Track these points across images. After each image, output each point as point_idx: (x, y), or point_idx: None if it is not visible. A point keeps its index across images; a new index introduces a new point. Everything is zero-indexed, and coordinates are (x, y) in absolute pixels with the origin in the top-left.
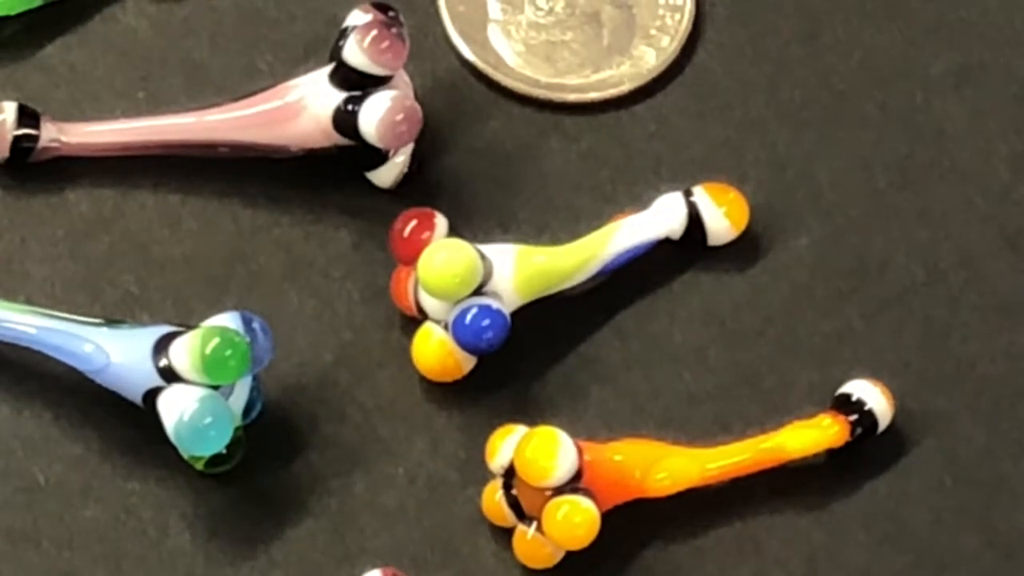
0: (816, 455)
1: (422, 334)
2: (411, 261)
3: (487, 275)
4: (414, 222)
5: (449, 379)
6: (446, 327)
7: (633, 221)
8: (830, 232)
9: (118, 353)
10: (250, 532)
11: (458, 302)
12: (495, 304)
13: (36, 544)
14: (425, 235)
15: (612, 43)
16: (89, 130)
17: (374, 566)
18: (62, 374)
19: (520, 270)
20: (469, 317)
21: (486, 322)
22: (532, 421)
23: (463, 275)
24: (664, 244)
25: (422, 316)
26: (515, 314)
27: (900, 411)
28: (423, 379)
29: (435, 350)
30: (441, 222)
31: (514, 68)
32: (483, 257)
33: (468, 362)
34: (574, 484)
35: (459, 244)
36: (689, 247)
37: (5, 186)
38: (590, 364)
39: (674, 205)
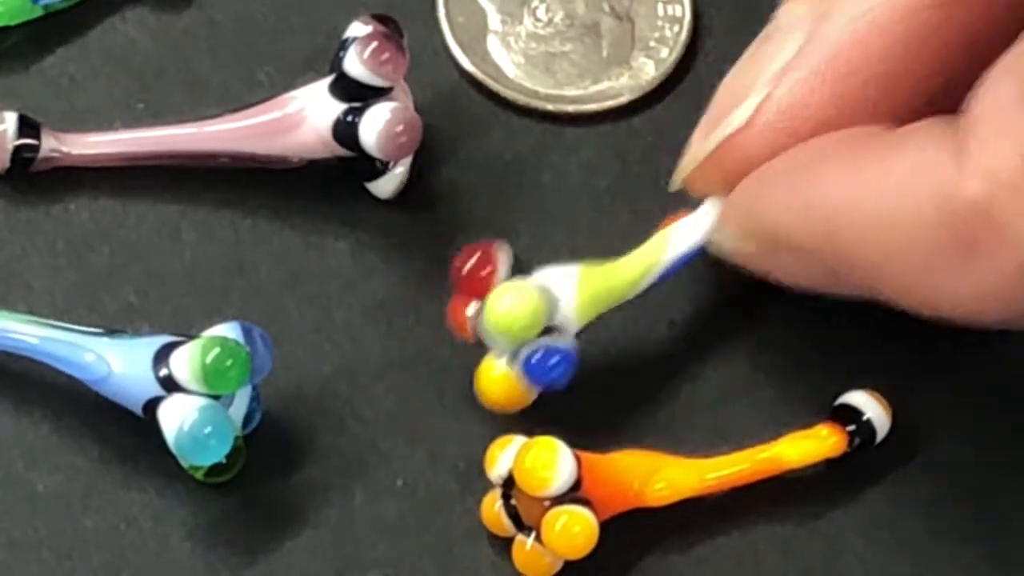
0: (814, 465)
1: (485, 367)
2: (472, 295)
3: (551, 311)
4: (475, 259)
5: (515, 408)
6: (509, 360)
7: (685, 224)
8: None
9: (119, 363)
10: (250, 542)
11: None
12: (560, 344)
13: (36, 554)
14: (486, 271)
15: (611, 54)
16: (89, 141)
17: None
18: (62, 384)
19: (582, 293)
20: (536, 359)
21: (553, 361)
22: (531, 431)
23: (529, 321)
24: None
25: (481, 343)
26: None
27: (898, 422)
28: (422, 389)
29: (499, 383)
30: (503, 257)
31: (513, 79)
32: (547, 291)
33: (533, 392)
34: (573, 494)
35: (525, 289)
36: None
37: (5, 196)
38: (588, 374)
39: (714, 209)
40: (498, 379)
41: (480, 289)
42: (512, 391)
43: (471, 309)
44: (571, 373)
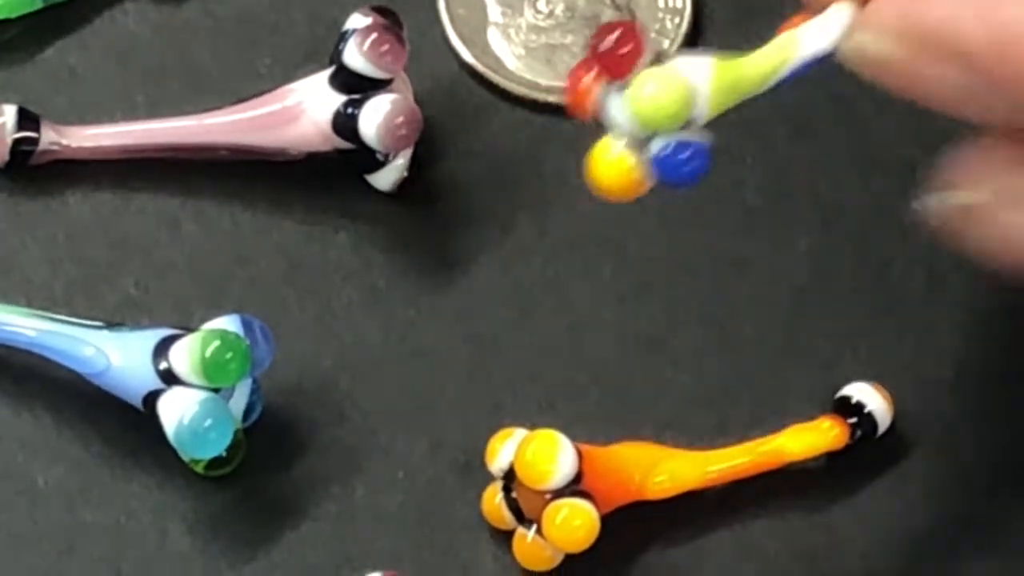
0: (816, 458)
1: (600, 150)
2: (607, 73)
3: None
4: (617, 34)
5: (630, 196)
6: (632, 147)
7: (816, 24)
8: (829, 235)
9: (118, 356)
10: (250, 535)
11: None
12: (693, 137)
13: (36, 547)
14: (627, 48)
15: None
16: (89, 133)
17: (374, 569)
18: (62, 377)
19: (715, 85)
20: (669, 153)
21: (686, 155)
22: (532, 424)
23: (675, 111)
24: (663, 244)
25: (595, 123)
26: (510, 321)
27: (900, 414)
28: (423, 382)
29: (614, 167)
30: (648, 39)
31: (514, 71)
32: (691, 82)
33: (649, 182)
34: (574, 487)
35: (674, 77)
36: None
37: (5, 189)
38: (590, 367)
39: (847, 9)
40: (614, 163)
41: (617, 68)
42: (626, 177)
43: (600, 87)
44: (704, 169)
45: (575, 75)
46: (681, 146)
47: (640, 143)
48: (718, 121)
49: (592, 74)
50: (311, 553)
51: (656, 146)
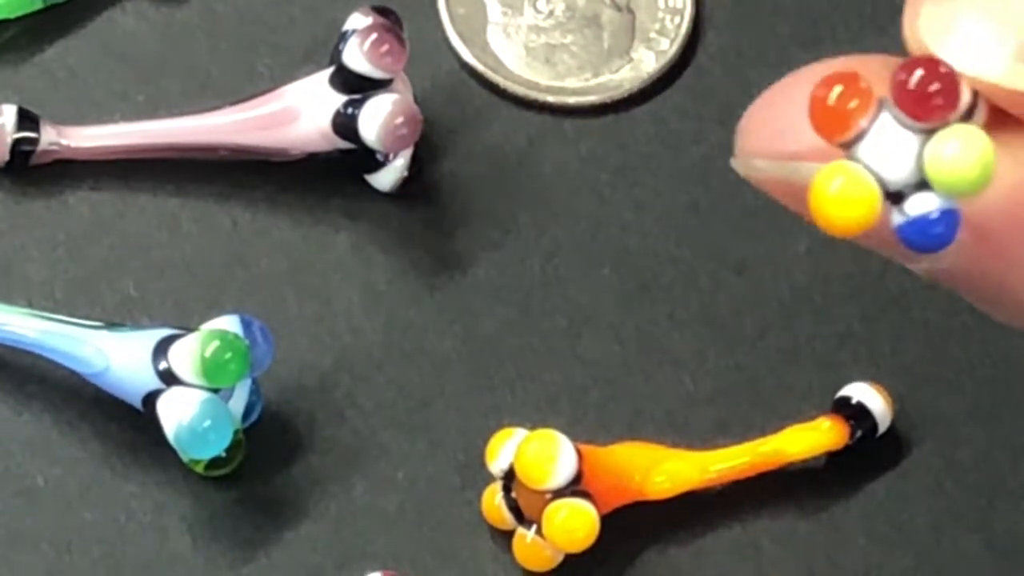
0: (815, 458)
1: (845, 182)
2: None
3: None
4: (840, 88)
5: (859, 231)
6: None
7: None
8: (829, 235)
9: (118, 356)
10: (250, 535)
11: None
12: (952, 204)
13: (35, 547)
14: (853, 104)
15: (612, 46)
16: (89, 133)
17: (374, 569)
18: (61, 377)
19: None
20: (933, 215)
21: (939, 222)
22: (532, 424)
23: (982, 177)
24: (663, 244)
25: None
26: (510, 321)
27: (899, 414)
28: (423, 382)
29: (862, 202)
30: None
31: (514, 71)
32: None
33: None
34: (574, 487)
35: (977, 133)
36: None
37: (5, 189)
38: (589, 366)
39: None
40: (861, 200)
41: (922, 112)
42: (869, 213)
43: (867, 117)
44: (951, 239)
45: (836, 89)
46: (945, 213)
47: (888, 188)
48: (720, 119)
49: (857, 101)
50: (310, 553)
51: (919, 206)
